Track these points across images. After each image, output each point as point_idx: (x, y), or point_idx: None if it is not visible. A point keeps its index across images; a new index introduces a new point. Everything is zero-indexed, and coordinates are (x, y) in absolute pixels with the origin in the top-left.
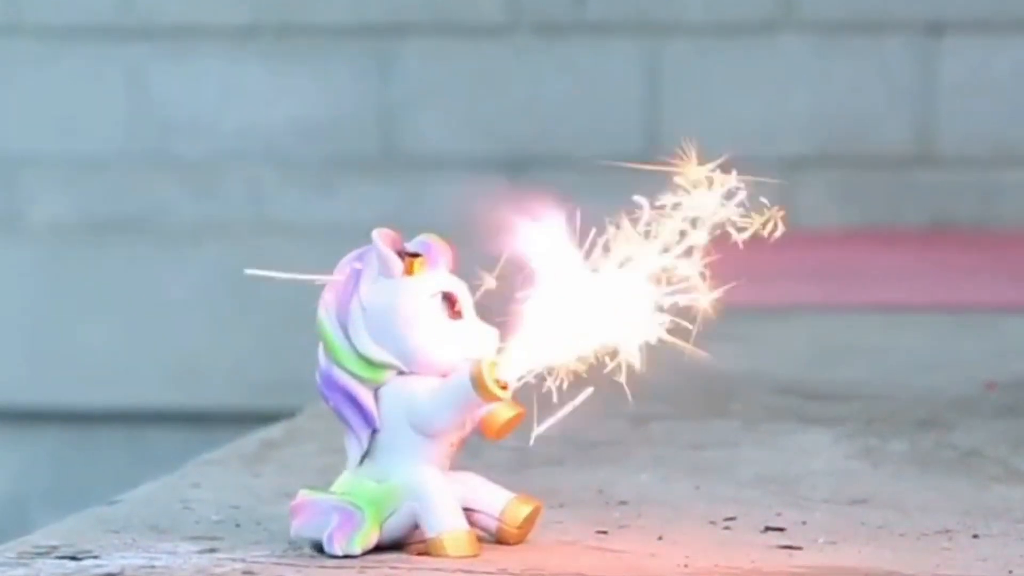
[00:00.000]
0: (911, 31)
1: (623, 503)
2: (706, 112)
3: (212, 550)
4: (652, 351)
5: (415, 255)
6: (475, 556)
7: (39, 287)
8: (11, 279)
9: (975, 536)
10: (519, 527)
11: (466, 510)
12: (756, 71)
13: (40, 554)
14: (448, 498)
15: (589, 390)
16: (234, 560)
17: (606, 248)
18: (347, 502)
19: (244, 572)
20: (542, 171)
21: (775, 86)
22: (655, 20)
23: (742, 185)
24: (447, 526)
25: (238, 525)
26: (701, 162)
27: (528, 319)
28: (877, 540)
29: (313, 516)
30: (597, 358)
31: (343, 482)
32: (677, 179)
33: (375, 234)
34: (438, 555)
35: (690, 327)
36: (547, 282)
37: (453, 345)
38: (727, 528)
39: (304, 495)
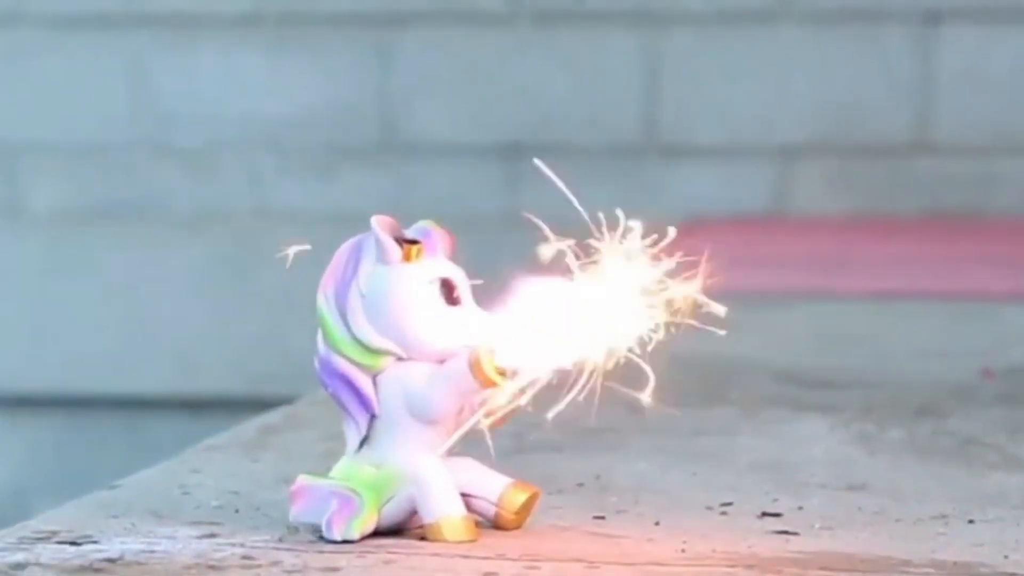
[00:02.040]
0: (909, 20)
1: (621, 489)
2: (705, 101)
3: (211, 535)
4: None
5: (414, 242)
6: (473, 541)
7: (40, 274)
8: (12, 266)
9: (971, 522)
10: (517, 513)
11: (464, 496)
12: (755, 60)
13: (40, 539)
14: (446, 484)
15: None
16: (233, 545)
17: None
18: (345, 487)
19: (243, 557)
20: (541, 159)
21: (774, 75)
22: (654, 10)
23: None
24: (445, 511)
25: (237, 511)
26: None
27: (528, 306)
28: (873, 526)
29: (312, 501)
30: (596, 348)
31: (342, 468)
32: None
33: (374, 221)
34: (436, 540)
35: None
36: (547, 272)
37: (451, 332)
38: (724, 514)
39: (303, 481)
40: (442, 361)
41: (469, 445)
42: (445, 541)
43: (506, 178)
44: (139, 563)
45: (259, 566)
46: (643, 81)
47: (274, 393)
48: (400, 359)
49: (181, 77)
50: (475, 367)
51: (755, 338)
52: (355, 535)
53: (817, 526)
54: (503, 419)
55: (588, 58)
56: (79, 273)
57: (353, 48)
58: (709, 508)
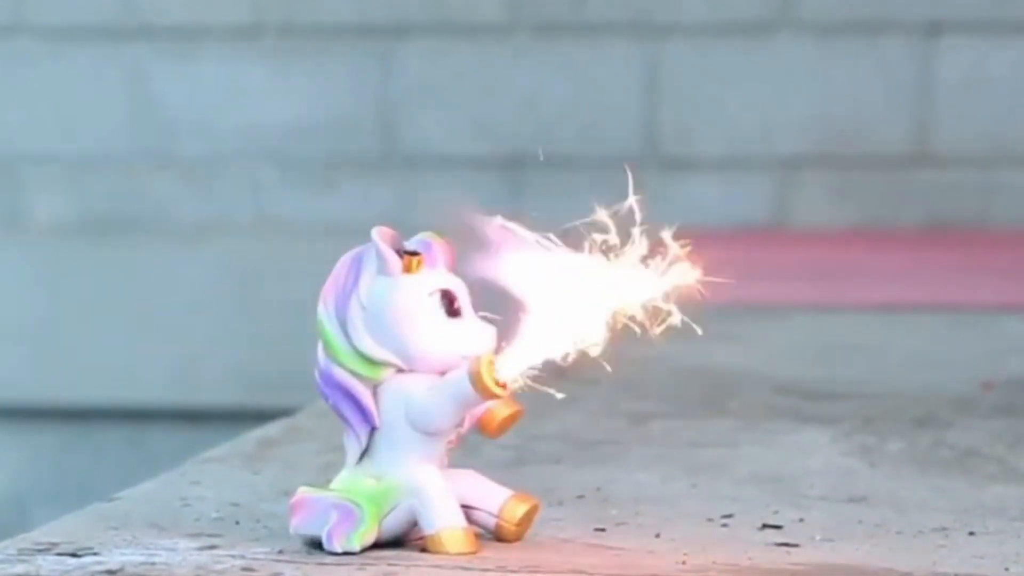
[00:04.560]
0: (909, 31)
1: (621, 501)
2: (705, 112)
3: (212, 547)
4: (647, 346)
5: (414, 253)
6: (473, 553)
7: (40, 285)
8: (12, 277)
9: (971, 534)
10: (517, 524)
11: (464, 507)
12: (754, 71)
13: (40, 551)
14: (447, 495)
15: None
16: (233, 557)
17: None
18: (346, 499)
19: (243, 569)
20: (541, 171)
21: (773, 86)
22: (654, 20)
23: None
24: (445, 523)
25: (238, 522)
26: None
27: (527, 317)
28: (874, 538)
29: (312, 513)
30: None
31: (342, 480)
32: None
33: (374, 232)
34: (437, 552)
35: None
36: (546, 281)
37: (452, 343)
38: (725, 526)
39: (303, 492)
40: (443, 372)
41: (469, 457)
42: (446, 553)
43: (506, 189)
44: (139, 575)
45: None
46: (643, 92)
47: (274, 405)
48: (400, 371)
49: (182, 88)
50: (475, 378)
51: (755, 349)
52: (356, 547)
53: (818, 538)
54: (504, 428)
55: (588, 69)
56: (79, 284)
57: (353, 59)
58: (710, 520)
